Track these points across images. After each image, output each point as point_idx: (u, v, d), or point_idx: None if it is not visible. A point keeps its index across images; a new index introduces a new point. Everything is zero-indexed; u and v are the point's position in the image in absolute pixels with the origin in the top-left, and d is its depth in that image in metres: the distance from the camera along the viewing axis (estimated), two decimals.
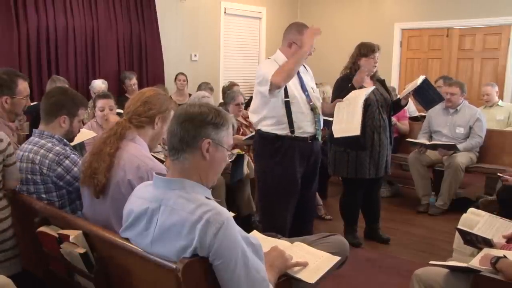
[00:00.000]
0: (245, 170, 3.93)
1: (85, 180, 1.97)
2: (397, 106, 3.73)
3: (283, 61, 3.01)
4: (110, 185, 1.92)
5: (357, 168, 3.56)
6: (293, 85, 3.03)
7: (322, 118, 3.18)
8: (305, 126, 3.05)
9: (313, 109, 3.08)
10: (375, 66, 3.59)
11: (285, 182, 3.07)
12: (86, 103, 2.57)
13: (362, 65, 3.54)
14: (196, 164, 1.58)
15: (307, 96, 3.08)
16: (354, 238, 3.76)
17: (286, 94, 2.99)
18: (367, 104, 3.37)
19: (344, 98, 3.31)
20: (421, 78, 3.58)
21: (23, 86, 2.62)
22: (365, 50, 3.55)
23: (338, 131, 3.18)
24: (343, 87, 3.51)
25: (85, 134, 2.98)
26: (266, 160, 3.11)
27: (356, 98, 3.22)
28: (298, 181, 3.11)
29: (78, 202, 2.31)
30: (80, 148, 2.93)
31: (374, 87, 3.45)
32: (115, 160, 1.92)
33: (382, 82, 3.72)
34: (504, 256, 1.83)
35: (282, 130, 3.02)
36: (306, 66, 3.26)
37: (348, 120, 3.14)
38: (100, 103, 3.69)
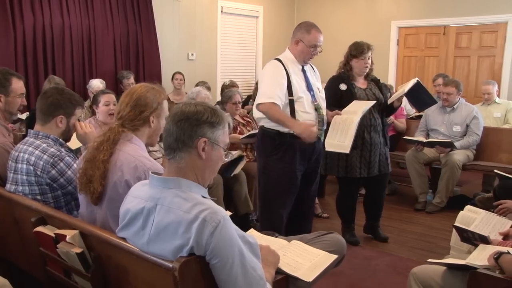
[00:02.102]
0: (237, 170, 3.91)
1: (81, 187, 1.94)
2: (390, 109, 3.69)
3: (290, 59, 3.07)
4: (107, 188, 1.91)
5: (347, 167, 3.55)
6: (298, 84, 3.04)
7: (326, 118, 3.19)
8: None
9: (317, 109, 3.08)
10: (367, 67, 3.56)
11: (284, 179, 3.08)
12: (83, 102, 2.55)
13: (353, 66, 3.55)
14: (192, 163, 1.58)
15: (313, 96, 3.09)
16: (351, 237, 3.77)
17: (291, 93, 3.00)
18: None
19: (343, 111, 3.31)
20: (412, 82, 3.55)
21: (17, 85, 2.61)
22: (355, 51, 3.54)
23: (330, 145, 3.21)
24: (333, 87, 3.54)
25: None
26: (267, 157, 3.13)
27: (353, 114, 3.22)
28: (297, 179, 3.12)
29: (74, 203, 2.30)
30: (75, 151, 2.93)
31: (375, 101, 3.43)
32: (111, 162, 1.91)
33: (376, 82, 3.70)
34: (508, 252, 1.83)
35: (284, 127, 3.02)
36: (314, 67, 3.27)
37: (340, 138, 3.17)
38: (105, 97, 3.73)
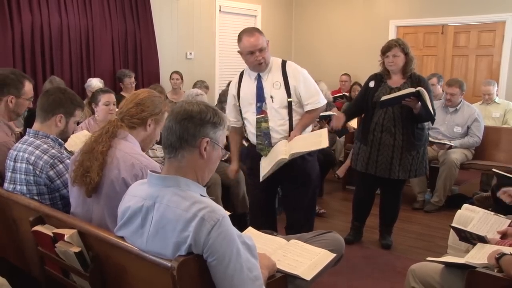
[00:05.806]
0: None
1: (76, 179, 1.94)
2: (417, 116, 3.41)
3: (248, 68, 3.04)
4: (103, 183, 1.91)
5: (358, 160, 3.64)
6: (245, 95, 2.97)
7: (271, 132, 2.87)
8: (250, 135, 3.04)
9: (258, 122, 2.90)
10: (390, 65, 3.46)
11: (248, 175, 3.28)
12: (83, 105, 2.58)
13: (385, 64, 3.51)
14: (193, 163, 1.58)
15: (258, 107, 2.89)
16: (348, 235, 3.79)
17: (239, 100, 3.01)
18: (374, 101, 3.48)
19: (299, 137, 2.88)
20: (411, 89, 3.33)
21: (28, 87, 2.65)
22: (381, 50, 3.52)
23: (261, 166, 2.91)
24: (365, 83, 3.66)
25: (80, 137, 2.96)
26: None
27: (286, 150, 2.77)
28: (253, 179, 3.12)
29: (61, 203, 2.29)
30: None
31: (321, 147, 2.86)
32: (107, 159, 1.91)
33: (415, 81, 3.45)
34: (511, 254, 1.83)
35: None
36: (287, 69, 2.90)
37: (266, 166, 2.86)
38: (105, 97, 3.68)
